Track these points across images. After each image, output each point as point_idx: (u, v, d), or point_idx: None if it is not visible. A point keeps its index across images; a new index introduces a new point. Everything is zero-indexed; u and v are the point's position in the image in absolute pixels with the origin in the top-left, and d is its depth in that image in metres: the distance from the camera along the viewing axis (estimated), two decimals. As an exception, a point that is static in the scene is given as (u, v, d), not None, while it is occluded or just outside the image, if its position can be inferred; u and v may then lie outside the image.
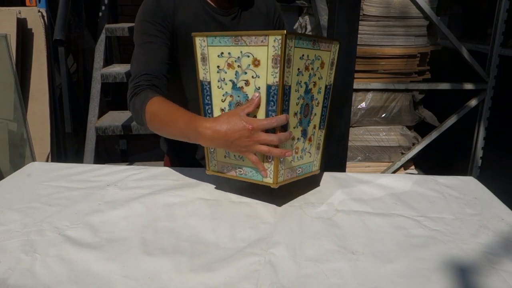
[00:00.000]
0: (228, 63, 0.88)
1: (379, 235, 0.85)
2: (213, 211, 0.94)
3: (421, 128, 2.67)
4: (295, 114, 0.89)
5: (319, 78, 0.93)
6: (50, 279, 0.70)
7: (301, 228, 0.87)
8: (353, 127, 2.49)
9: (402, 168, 2.60)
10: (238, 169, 0.94)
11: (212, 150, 0.96)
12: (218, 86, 0.91)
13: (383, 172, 2.50)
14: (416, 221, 0.91)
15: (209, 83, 0.92)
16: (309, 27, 2.61)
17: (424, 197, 1.02)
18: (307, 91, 0.91)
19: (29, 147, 2.27)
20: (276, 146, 0.85)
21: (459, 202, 1.00)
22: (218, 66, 0.89)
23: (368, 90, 2.44)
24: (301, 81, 0.87)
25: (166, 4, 1.11)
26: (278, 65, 0.81)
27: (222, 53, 0.88)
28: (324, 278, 0.72)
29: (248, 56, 0.84)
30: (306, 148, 0.97)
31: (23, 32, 2.29)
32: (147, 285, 0.69)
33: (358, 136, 2.52)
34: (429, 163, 2.93)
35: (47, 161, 2.33)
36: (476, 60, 2.41)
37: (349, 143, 2.24)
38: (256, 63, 0.84)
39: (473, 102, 2.48)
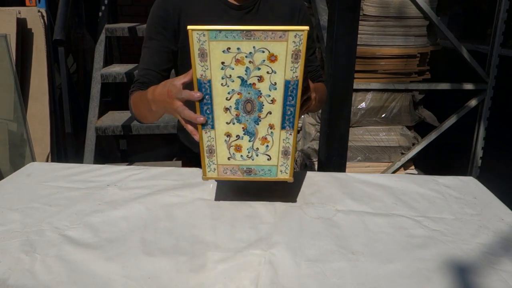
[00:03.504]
0: (237, 59, 0.85)
1: (379, 235, 0.85)
2: (213, 211, 0.94)
3: (421, 128, 2.67)
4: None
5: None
6: (50, 279, 0.70)
7: (301, 228, 0.87)
8: (353, 127, 2.49)
9: (402, 168, 2.59)
10: (246, 170, 0.91)
11: (209, 153, 0.92)
12: (222, 84, 0.88)
13: (383, 172, 2.50)
14: (416, 221, 0.91)
15: (209, 81, 0.88)
16: (309, 27, 2.61)
17: (424, 197, 1.02)
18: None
19: (29, 147, 2.27)
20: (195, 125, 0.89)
21: (459, 202, 1.00)
22: (222, 62, 0.86)
23: (368, 90, 2.44)
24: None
25: (171, 2, 1.13)
26: (299, 60, 0.82)
27: (229, 48, 0.84)
28: (324, 278, 0.72)
29: (263, 52, 0.83)
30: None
31: (23, 32, 2.29)
32: (147, 285, 0.69)
33: (358, 136, 2.52)
34: (429, 163, 2.93)
35: (47, 161, 2.33)
36: (476, 60, 2.41)
37: (349, 143, 2.24)
38: (272, 58, 0.84)
39: (473, 102, 2.48)
